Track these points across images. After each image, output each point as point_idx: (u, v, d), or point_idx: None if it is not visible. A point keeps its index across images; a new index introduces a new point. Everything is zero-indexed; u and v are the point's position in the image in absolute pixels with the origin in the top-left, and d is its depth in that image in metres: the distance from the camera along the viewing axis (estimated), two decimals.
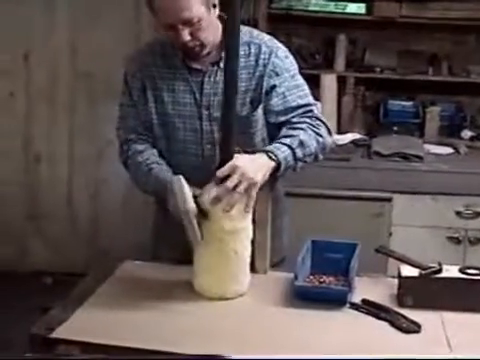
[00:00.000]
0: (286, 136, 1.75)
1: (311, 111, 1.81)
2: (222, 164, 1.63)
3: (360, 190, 2.87)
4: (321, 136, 1.79)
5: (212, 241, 1.63)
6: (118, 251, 3.17)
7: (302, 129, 1.77)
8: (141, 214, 3.17)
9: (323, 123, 1.82)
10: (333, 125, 3.28)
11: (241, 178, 1.60)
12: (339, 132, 3.30)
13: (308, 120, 1.79)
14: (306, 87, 1.85)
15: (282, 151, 1.71)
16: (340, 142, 3.16)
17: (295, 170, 1.76)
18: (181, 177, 1.63)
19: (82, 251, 3.63)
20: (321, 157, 1.82)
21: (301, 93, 1.82)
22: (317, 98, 3.17)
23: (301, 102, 1.81)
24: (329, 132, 1.83)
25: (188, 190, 1.61)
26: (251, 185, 1.62)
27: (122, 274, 1.79)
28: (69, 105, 3.60)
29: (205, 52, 1.76)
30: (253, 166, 1.63)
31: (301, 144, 1.75)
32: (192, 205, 1.59)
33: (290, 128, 1.78)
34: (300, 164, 1.75)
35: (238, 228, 1.63)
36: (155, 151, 1.82)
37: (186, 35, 1.70)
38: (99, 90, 3.51)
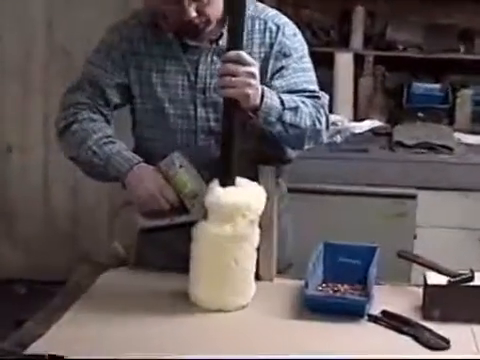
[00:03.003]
0: (284, 94, 1.75)
1: (318, 98, 1.82)
2: (223, 160, 1.64)
3: (380, 186, 2.88)
4: (320, 123, 1.79)
5: (210, 246, 1.64)
6: (101, 255, 3.17)
7: (304, 103, 1.77)
8: (127, 212, 3.17)
9: (326, 116, 1.83)
10: (349, 111, 3.29)
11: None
12: (356, 119, 3.30)
13: (312, 102, 1.79)
14: (314, 74, 1.86)
15: (271, 98, 1.70)
16: (357, 131, 3.17)
17: (271, 134, 1.74)
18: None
19: (60, 255, 3.63)
20: (306, 146, 1.81)
21: (308, 78, 1.83)
22: (330, 80, 3.25)
23: (308, 87, 1.82)
24: (327, 127, 1.83)
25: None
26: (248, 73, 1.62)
27: (106, 282, 1.79)
28: (44, 86, 3.60)
29: (209, 29, 1.76)
30: None
31: (295, 110, 1.74)
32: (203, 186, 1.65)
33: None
34: (279, 129, 1.73)
35: (240, 234, 1.64)
36: (112, 130, 1.82)
37: (192, 11, 1.69)
38: (78, 70, 3.48)
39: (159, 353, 1.46)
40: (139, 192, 1.71)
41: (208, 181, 1.68)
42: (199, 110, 1.80)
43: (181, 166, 1.72)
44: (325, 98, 1.85)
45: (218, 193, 1.62)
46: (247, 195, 1.63)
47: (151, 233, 1.82)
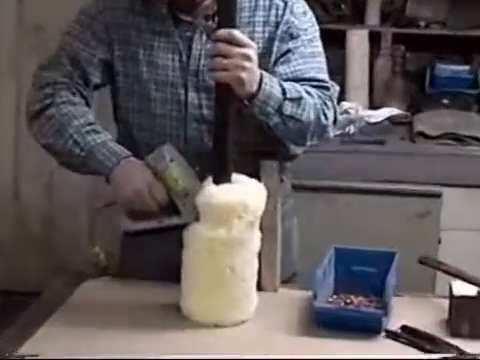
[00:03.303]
0: (287, 83, 1.75)
1: (327, 89, 1.82)
2: (216, 154, 1.64)
3: (399, 183, 2.89)
4: (325, 118, 1.79)
5: (202, 252, 1.64)
6: (80, 263, 3.17)
7: (309, 93, 1.77)
8: (109, 214, 3.17)
9: (334, 109, 1.83)
10: (363, 97, 3.30)
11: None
12: (371, 107, 3.31)
13: (319, 93, 1.79)
14: (324, 60, 1.86)
15: (271, 86, 1.70)
16: (372, 120, 3.18)
17: (268, 126, 1.74)
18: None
19: (33, 263, 3.64)
20: (308, 143, 1.82)
21: (317, 65, 1.83)
22: (342, 62, 3.24)
23: (316, 75, 1.81)
24: (334, 122, 1.83)
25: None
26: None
27: (85, 294, 1.79)
28: (14, 67, 3.60)
29: (206, 3, 1.77)
30: None
31: (297, 101, 1.74)
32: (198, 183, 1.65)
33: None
34: (277, 121, 1.73)
35: (237, 238, 1.63)
36: (94, 116, 1.81)
37: None
38: (52, 48, 3.48)
39: None
40: (125, 190, 1.71)
41: (203, 178, 1.68)
42: (190, 95, 1.81)
43: (172, 160, 1.72)
44: (335, 89, 1.85)
45: (210, 191, 1.62)
46: (244, 193, 1.63)
47: (137, 237, 1.82)
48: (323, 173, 2.83)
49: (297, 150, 1.92)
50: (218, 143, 1.66)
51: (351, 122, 3.10)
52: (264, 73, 1.69)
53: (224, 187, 1.63)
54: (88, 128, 1.77)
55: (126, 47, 1.81)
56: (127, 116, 1.86)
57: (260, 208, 1.66)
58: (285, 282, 1.89)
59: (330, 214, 2.80)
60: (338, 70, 3.23)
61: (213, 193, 1.62)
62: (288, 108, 1.73)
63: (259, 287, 1.73)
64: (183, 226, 1.67)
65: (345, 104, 3.21)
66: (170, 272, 1.71)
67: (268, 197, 1.69)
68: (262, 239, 1.70)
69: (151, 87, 1.81)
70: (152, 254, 1.86)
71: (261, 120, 1.73)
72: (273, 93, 1.70)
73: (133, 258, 1.91)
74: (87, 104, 1.83)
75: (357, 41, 3.28)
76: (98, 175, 1.77)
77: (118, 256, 1.93)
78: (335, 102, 1.84)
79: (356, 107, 3.20)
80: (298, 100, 1.74)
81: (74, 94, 1.81)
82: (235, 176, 1.66)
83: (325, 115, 1.79)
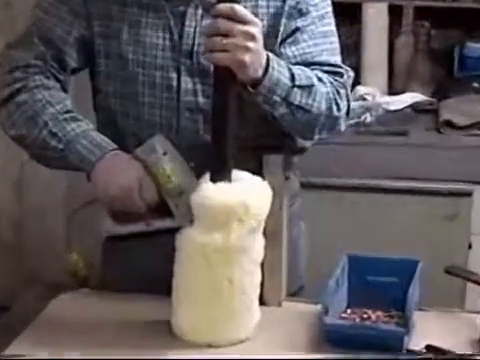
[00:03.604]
0: (296, 67, 1.75)
1: (340, 74, 1.83)
2: (214, 147, 1.64)
3: (423, 180, 2.89)
4: (338, 108, 1.80)
5: (196, 261, 1.64)
6: (55, 272, 3.17)
7: (320, 80, 1.77)
8: (89, 215, 3.17)
9: (348, 98, 1.83)
10: (382, 81, 3.30)
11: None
12: (391, 92, 3.31)
13: (332, 80, 1.80)
14: (337, 40, 1.87)
15: (279, 71, 1.69)
16: (392, 107, 3.18)
17: (273, 117, 1.75)
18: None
19: (2, 273, 3.64)
20: (317, 136, 1.82)
21: (329, 46, 1.84)
22: (356, 40, 3.23)
23: (328, 59, 1.82)
24: (347, 113, 1.84)
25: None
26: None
27: (60, 309, 1.79)
28: None
29: None
30: None
31: (308, 90, 1.74)
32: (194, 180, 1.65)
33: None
34: (284, 112, 1.73)
35: (236, 245, 1.63)
36: (70, 102, 1.81)
37: None
38: (20, 27, 3.48)
39: None
40: (109, 187, 1.71)
41: (198, 175, 1.68)
42: (183, 80, 1.81)
43: (164, 153, 1.71)
44: (348, 75, 1.85)
45: (206, 190, 1.62)
46: (246, 193, 1.62)
47: (122, 242, 1.82)
48: (333, 169, 2.83)
49: (306, 143, 1.93)
50: (216, 136, 1.66)
51: (367, 110, 3.10)
52: (271, 55, 1.69)
53: (222, 186, 1.63)
54: (66, 116, 1.77)
55: (107, 23, 1.81)
56: (108, 102, 1.86)
57: (264, 210, 1.66)
58: (293, 294, 1.90)
59: (342, 217, 2.80)
60: (352, 49, 3.24)
61: (209, 192, 1.61)
62: (297, 97, 1.73)
63: (261, 301, 1.74)
64: (175, 230, 1.67)
65: (360, 89, 3.21)
66: (159, 284, 1.71)
67: (273, 197, 1.69)
68: (265, 246, 1.69)
69: (137, 70, 1.81)
70: (139, 262, 1.86)
71: (265, 110, 1.73)
72: (281, 79, 1.70)
73: (117, 267, 1.91)
74: (63, 90, 1.83)
75: (374, 15, 3.28)
76: (78, 171, 1.77)
77: (99, 265, 1.93)
78: (349, 90, 1.84)
79: (373, 92, 3.21)
80: (308, 88, 1.74)
81: (48, 78, 1.81)
82: (235, 173, 1.66)
83: (337, 105, 1.79)
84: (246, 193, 1.63)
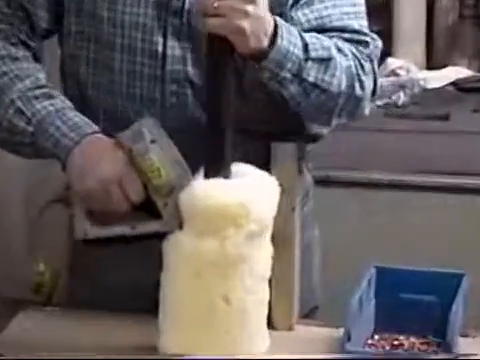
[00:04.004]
0: (310, 34, 1.75)
1: (365, 44, 1.83)
2: (209, 135, 1.64)
3: (468, 175, 2.90)
4: (361, 87, 1.80)
5: (186, 273, 1.64)
6: (14, 286, 3.18)
7: (340, 50, 1.77)
8: (57, 221, 3.19)
9: (375, 74, 1.84)
10: (418, 53, 3.30)
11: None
12: (430, 66, 3.33)
13: (355, 50, 1.80)
14: (362, 2, 1.87)
15: (288, 39, 1.68)
16: (430, 85, 3.19)
17: (282, 97, 1.74)
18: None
19: None
20: (335, 122, 1.83)
21: (351, 9, 1.84)
22: (386, 2, 3.22)
23: (349, 23, 1.82)
24: (373, 93, 1.85)
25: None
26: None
27: (21, 329, 1.81)
28: None
29: None
30: None
31: (325, 63, 1.73)
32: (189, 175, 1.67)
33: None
34: (295, 91, 1.73)
35: (234, 254, 1.63)
36: (45, 76, 1.83)
37: None
38: None
39: None
40: (87, 180, 1.71)
41: (195, 169, 1.68)
42: (170, 44, 1.81)
43: (153, 141, 1.71)
44: (375, 45, 1.85)
45: (197, 188, 1.62)
46: (246, 191, 1.62)
47: (99, 248, 1.82)
48: (358, 161, 2.85)
49: (322, 129, 1.93)
50: (211, 121, 1.66)
51: (400, 88, 3.10)
52: (279, 21, 1.69)
53: (217, 182, 1.63)
54: (37, 92, 1.79)
55: None
56: (77, 70, 1.86)
57: (269, 212, 1.66)
58: (306, 316, 1.92)
59: (367, 219, 2.81)
60: (382, 12, 3.23)
61: (202, 190, 1.61)
62: (312, 72, 1.73)
63: (269, 325, 1.74)
64: (164, 234, 1.67)
65: (391, 62, 3.22)
66: (143, 299, 1.74)
67: (282, 196, 1.69)
68: (274, 258, 1.70)
69: (114, 31, 1.82)
70: (118, 273, 1.87)
71: (272, 89, 1.72)
72: (291, 51, 1.69)
73: (88, 279, 1.92)
74: (35, 58, 1.86)
75: None
76: (48, 158, 1.78)
77: (67, 276, 1.92)
78: (375, 64, 1.84)
79: (407, 66, 3.22)
80: (326, 61, 1.73)
81: (15, 45, 1.84)
82: (235, 166, 1.66)
83: (361, 83, 1.79)
84: (246, 191, 1.63)
